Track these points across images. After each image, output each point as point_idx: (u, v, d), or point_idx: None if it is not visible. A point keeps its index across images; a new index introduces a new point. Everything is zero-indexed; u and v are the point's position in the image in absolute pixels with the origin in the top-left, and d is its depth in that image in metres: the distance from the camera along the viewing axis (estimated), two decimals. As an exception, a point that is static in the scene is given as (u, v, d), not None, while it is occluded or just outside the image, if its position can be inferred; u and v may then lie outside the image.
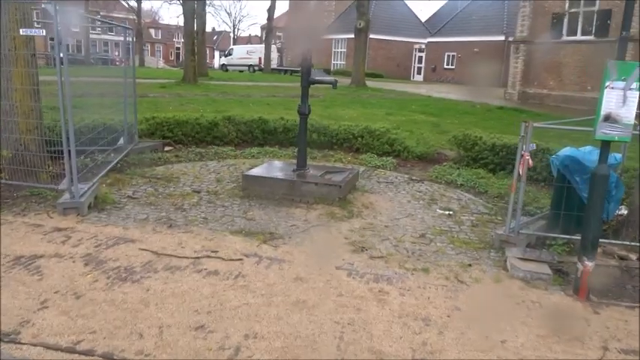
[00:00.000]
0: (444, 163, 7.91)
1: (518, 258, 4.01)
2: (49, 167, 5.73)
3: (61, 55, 4.77)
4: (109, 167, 6.22)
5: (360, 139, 8.64)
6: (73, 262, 3.73)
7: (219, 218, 4.91)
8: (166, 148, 8.03)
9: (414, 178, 7.03)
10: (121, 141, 7.31)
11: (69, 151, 4.82)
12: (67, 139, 4.79)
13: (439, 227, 4.98)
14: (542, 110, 18.51)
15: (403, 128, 9.83)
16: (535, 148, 4.45)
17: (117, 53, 55.98)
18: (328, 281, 3.60)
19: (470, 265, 4.06)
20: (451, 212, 5.45)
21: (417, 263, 4.04)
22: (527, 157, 4.24)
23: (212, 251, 4.04)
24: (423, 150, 8.33)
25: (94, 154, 6.50)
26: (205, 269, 3.71)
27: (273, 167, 6.26)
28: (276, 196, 5.51)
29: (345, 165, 7.58)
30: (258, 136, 8.81)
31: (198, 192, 5.73)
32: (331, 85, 5.69)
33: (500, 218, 5.36)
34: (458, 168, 7.55)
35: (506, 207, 5.81)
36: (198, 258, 3.89)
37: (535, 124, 4.24)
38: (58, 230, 4.35)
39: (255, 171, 5.99)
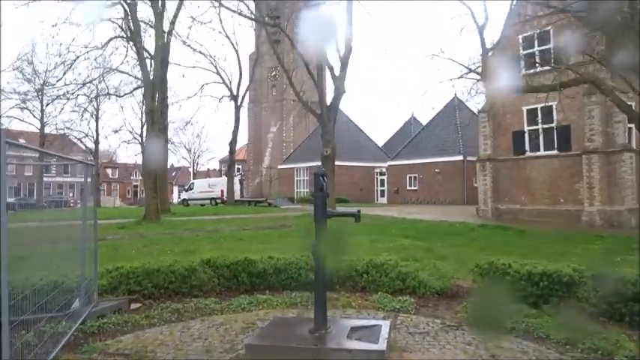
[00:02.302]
0: (471, 299, 6.66)
1: None
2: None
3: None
4: (60, 344, 4.64)
5: (365, 275, 7.37)
6: None
7: (222, 421, 3.37)
8: (133, 306, 6.46)
9: (448, 323, 5.70)
10: (77, 303, 5.75)
11: None
12: None
13: (531, 404, 3.59)
14: (523, 226, 17.98)
15: (399, 256, 8.70)
16: None
17: (71, 195, 54.44)
18: None
19: None
20: (531, 376, 4.10)
21: None
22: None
23: None
24: (441, 284, 7.11)
25: (40, 325, 4.94)
26: None
27: (281, 328, 4.82)
28: (294, 371, 4.04)
29: (358, 311, 6.22)
30: (245, 281, 7.39)
31: (185, 373, 4.19)
32: (354, 218, 4.56)
33: (598, 380, 4.04)
34: (489, 304, 6.32)
35: (589, 359, 4.55)
36: None
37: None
38: None
39: (260, 337, 4.54)
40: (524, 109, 21.24)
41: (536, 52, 20.36)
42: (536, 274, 6.30)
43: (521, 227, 17.46)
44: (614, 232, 16.60)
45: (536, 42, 20.42)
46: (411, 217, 22.13)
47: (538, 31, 19.41)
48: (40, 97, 38.22)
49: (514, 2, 16.84)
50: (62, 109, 36.78)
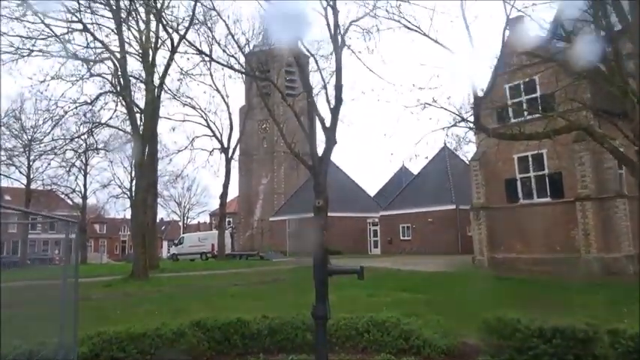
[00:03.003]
0: (479, 358, 6.23)
1: None
2: None
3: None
4: None
5: (366, 334, 6.92)
6: None
7: None
8: (116, 376, 5.95)
9: (459, 387, 5.26)
10: (52, 375, 5.25)
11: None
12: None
13: None
14: (521, 275, 17.58)
15: (399, 311, 8.27)
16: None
17: (57, 252, 53.26)
18: None
19: None
20: None
21: None
22: None
23: None
24: (447, 342, 6.68)
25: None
26: None
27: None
28: None
29: (361, 376, 5.75)
30: (238, 344, 6.90)
31: None
32: (357, 275, 4.22)
33: None
34: (501, 363, 5.90)
35: None
36: None
37: None
38: None
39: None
40: (515, 157, 21.29)
41: (524, 101, 20.65)
42: (548, 330, 5.92)
43: (519, 277, 17.07)
44: (614, 280, 16.26)
45: (523, 92, 20.78)
46: (406, 269, 21.65)
47: (527, 79, 19.78)
48: (27, 152, 37.88)
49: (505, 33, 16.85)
50: (49, 164, 36.29)
